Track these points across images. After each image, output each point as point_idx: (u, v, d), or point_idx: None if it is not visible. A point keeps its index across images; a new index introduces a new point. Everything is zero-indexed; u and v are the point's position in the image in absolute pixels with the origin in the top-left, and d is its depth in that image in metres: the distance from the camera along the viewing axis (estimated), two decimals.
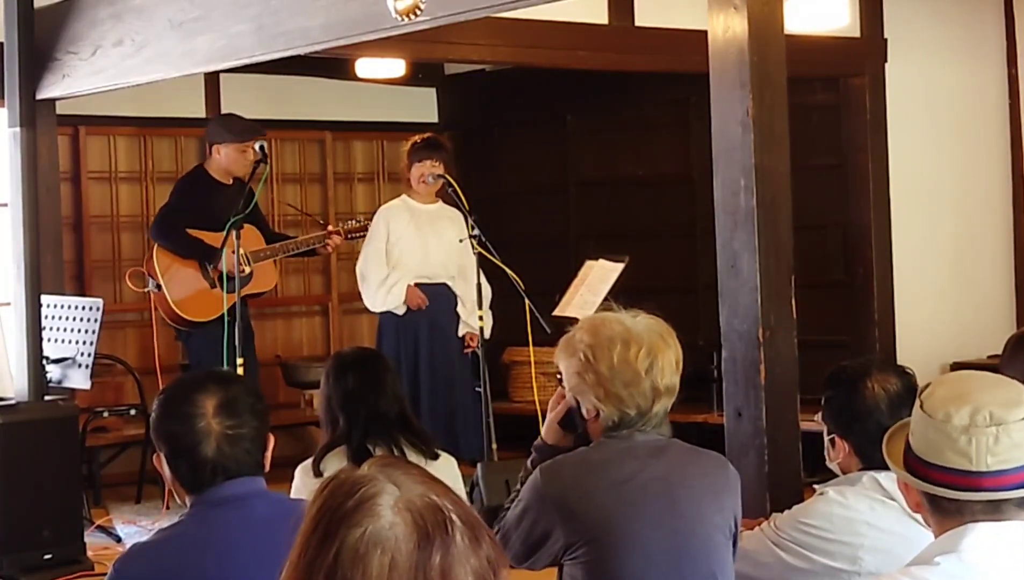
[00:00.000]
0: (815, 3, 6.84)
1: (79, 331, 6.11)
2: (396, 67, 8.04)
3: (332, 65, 7.81)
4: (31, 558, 5.39)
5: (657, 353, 2.92)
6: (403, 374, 6.37)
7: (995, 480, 2.14)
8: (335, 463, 3.89)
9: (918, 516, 2.35)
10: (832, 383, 3.20)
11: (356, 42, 4.79)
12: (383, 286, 6.62)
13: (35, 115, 5.91)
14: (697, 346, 6.70)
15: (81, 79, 5.78)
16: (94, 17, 5.71)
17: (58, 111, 6.15)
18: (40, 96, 5.92)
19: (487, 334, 6.52)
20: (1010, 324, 7.58)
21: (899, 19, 7.50)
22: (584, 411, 3.00)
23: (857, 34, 7.40)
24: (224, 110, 7.98)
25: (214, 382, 2.65)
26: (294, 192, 8.58)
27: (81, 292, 7.50)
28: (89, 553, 5.61)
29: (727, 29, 3.77)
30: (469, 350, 6.56)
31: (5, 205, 6.14)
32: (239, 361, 5.85)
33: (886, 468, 3.04)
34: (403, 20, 4.21)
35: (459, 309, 6.66)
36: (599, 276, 6.33)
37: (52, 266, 6.08)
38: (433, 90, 9.16)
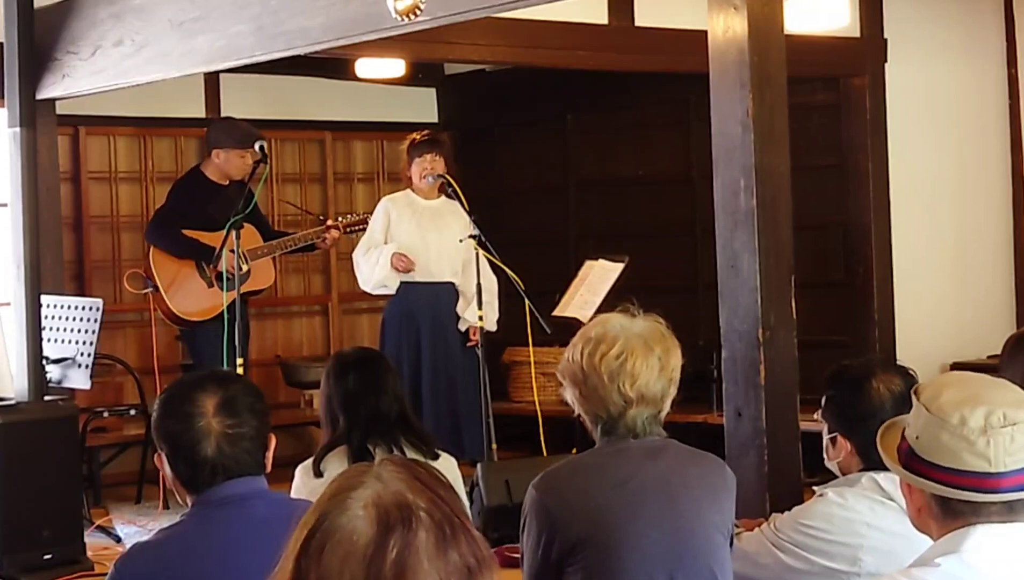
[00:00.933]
0: (815, 3, 6.84)
1: (79, 331, 6.11)
2: (396, 67, 8.04)
3: (332, 65, 7.81)
4: (31, 558, 5.38)
5: (631, 357, 2.89)
6: (405, 373, 6.37)
7: (1013, 480, 2.14)
8: (335, 463, 3.90)
9: None
10: (835, 382, 3.20)
11: (356, 42, 4.79)
12: (368, 261, 6.61)
13: (35, 115, 5.91)
14: (697, 346, 6.71)
15: (81, 79, 5.78)
16: (94, 17, 5.71)
17: (58, 111, 6.15)
18: (40, 96, 5.92)
19: (492, 328, 6.52)
20: (1010, 324, 7.58)
21: (899, 19, 7.49)
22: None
23: (857, 34, 7.40)
24: (224, 110, 7.99)
25: (214, 382, 2.65)
26: (294, 192, 8.58)
27: (81, 292, 7.50)
28: (89, 553, 5.61)
29: (727, 29, 3.77)
30: (472, 343, 6.55)
31: (5, 205, 6.14)
32: (239, 361, 5.85)
33: (886, 469, 3.04)
34: (403, 20, 4.21)
35: (459, 304, 6.65)
36: (599, 276, 6.33)
37: (52, 266, 6.08)
38: (433, 90, 9.16)
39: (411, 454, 3.97)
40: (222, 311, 6.11)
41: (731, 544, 3.04)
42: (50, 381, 6.01)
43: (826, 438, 3.23)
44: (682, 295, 7.72)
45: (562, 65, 6.88)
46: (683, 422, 6.48)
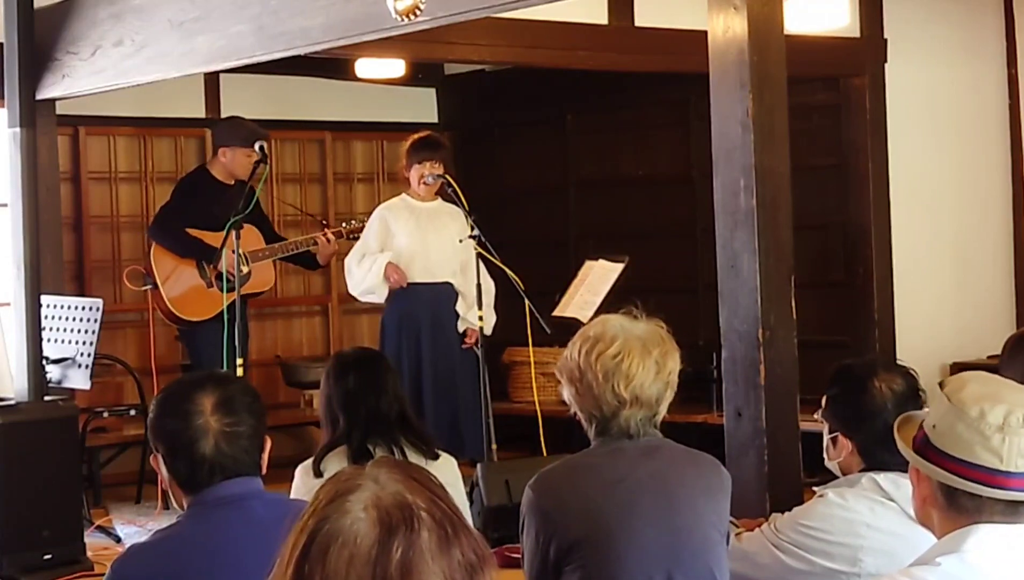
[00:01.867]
0: (815, 3, 6.84)
1: (79, 331, 6.11)
2: (396, 67, 8.04)
3: (332, 65, 7.81)
4: (31, 558, 5.38)
5: (627, 358, 2.89)
6: (405, 374, 6.36)
7: (1021, 481, 2.14)
8: (335, 463, 3.89)
9: None
10: (837, 382, 3.20)
11: (356, 42, 4.79)
12: (360, 267, 6.58)
13: (35, 115, 5.91)
14: (697, 346, 6.71)
15: (81, 79, 5.78)
16: (94, 17, 5.71)
17: (58, 111, 6.15)
18: (40, 96, 5.92)
19: (488, 331, 6.52)
20: (1010, 324, 7.58)
21: (899, 19, 7.50)
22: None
23: (857, 34, 7.40)
24: (224, 110, 7.99)
25: (212, 381, 2.66)
26: (294, 192, 8.58)
27: (81, 292, 7.50)
28: (89, 553, 5.61)
29: (727, 29, 3.77)
30: (467, 345, 6.55)
31: (5, 205, 6.14)
32: (238, 361, 5.85)
33: (887, 469, 3.05)
34: (403, 20, 4.21)
35: (459, 305, 6.65)
36: (599, 276, 6.33)
37: (52, 266, 6.08)
38: (433, 90, 9.16)
39: (411, 454, 3.97)
40: (221, 311, 6.11)
41: (727, 542, 3.04)
42: (50, 381, 6.01)
43: (827, 438, 3.23)
44: (682, 295, 7.72)
45: (562, 65, 6.88)
46: (683, 422, 6.49)
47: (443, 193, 6.65)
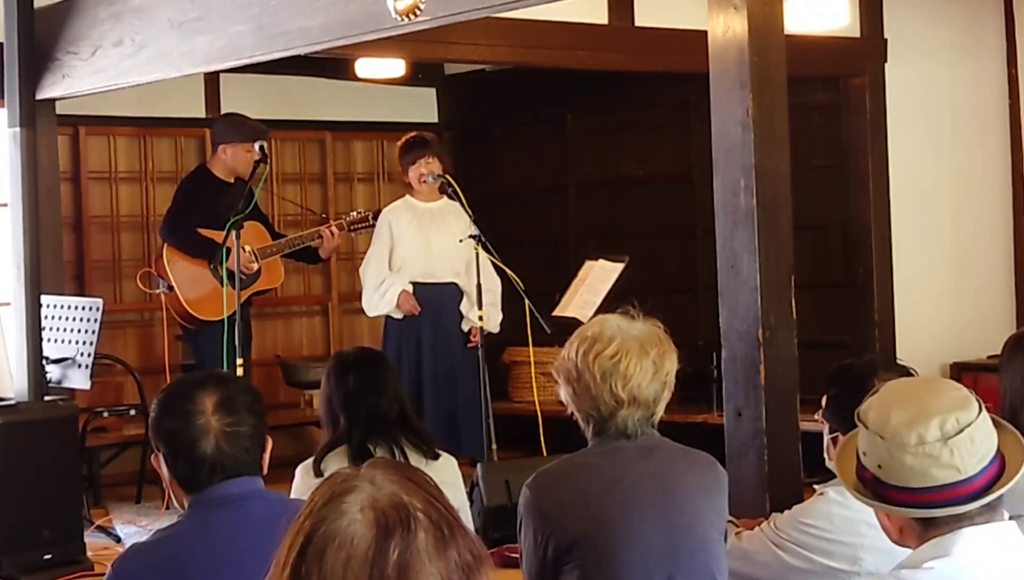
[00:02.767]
0: (815, 3, 6.84)
1: (79, 331, 6.11)
2: (396, 67, 8.04)
3: (332, 65, 7.81)
4: (31, 558, 5.38)
5: (625, 358, 2.89)
6: (406, 374, 6.37)
7: (984, 478, 2.14)
8: (336, 463, 3.89)
9: None
10: (838, 381, 3.20)
11: (356, 42, 4.79)
12: (377, 291, 6.62)
13: (35, 115, 5.91)
14: (697, 346, 6.71)
15: (81, 79, 5.78)
16: (94, 17, 5.71)
17: (58, 111, 6.15)
18: (40, 96, 5.92)
19: (494, 329, 6.53)
20: (1010, 324, 7.58)
21: (899, 19, 7.50)
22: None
23: (857, 34, 7.40)
24: (224, 110, 7.98)
25: (212, 381, 2.66)
26: (294, 192, 8.58)
27: (81, 292, 7.50)
28: (89, 553, 5.61)
29: (727, 29, 3.78)
30: (472, 344, 6.55)
31: (5, 205, 6.14)
32: (239, 361, 5.85)
33: None
34: (403, 20, 4.21)
35: (463, 304, 6.66)
36: (599, 276, 6.33)
37: (52, 266, 6.08)
38: (433, 90, 9.16)
39: (411, 454, 3.97)
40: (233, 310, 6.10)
41: (725, 540, 3.04)
42: (50, 381, 6.01)
43: (827, 438, 3.23)
44: (682, 295, 7.72)
45: (562, 65, 6.88)
46: (683, 422, 6.49)
47: (446, 192, 6.65)
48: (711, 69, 3.84)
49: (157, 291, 6.73)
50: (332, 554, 1.50)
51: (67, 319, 6.15)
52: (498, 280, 6.55)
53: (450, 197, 6.54)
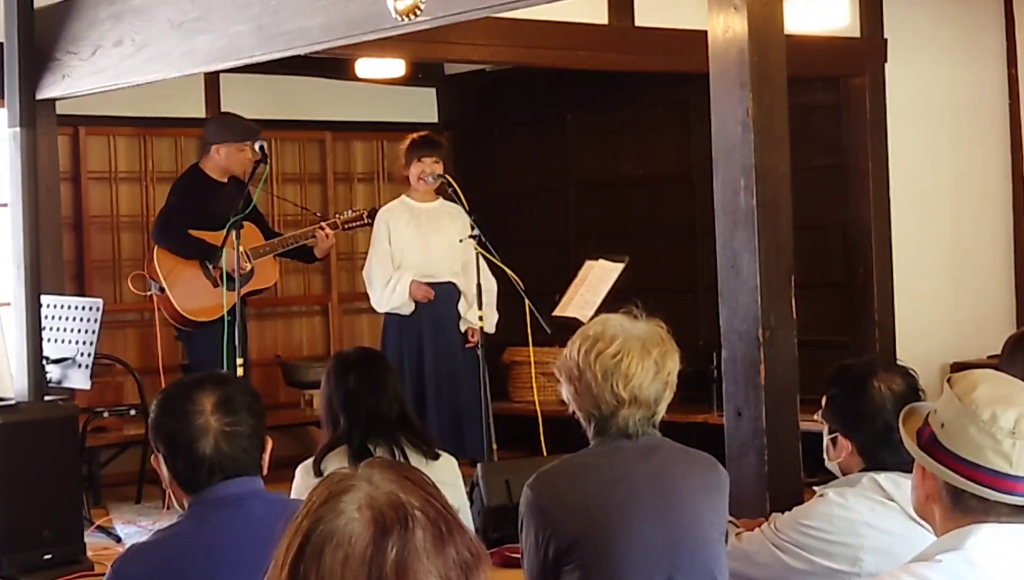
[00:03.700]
0: (815, 3, 6.84)
1: (79, 331, 6.11)
2: (396, 67, 8.04)
3: (332, 65, 7.81)
4: (31, 558, 5.38)
5: (627, 357, 2.89)
6: (407, 374, 6.37)
7: None
8: (336, 463, 3.89)
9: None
10: (837, 382, 3.20)
11: (356, 42, 4.79)
12: (387, 287, 6.63)
13: (35, 115, 5.91)
14: (697, 346, 6.71)
15: (81, 79, 5.78)
16: (94, 17, 5.71)
17: (58, 111, 6.15)
18: (40, 96, 5.92)
19: (491, 329, 6.53)
20: (1010, 324, 7.58)
21: (899, 19, 7.50)
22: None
23: (857, 34, 7.40)
24: (224, 110, 7.98)
25: (212, 381, 2.67)
26: (294, 192, 8.58)
27: (81, 292, 7.50)
28: (89, 553, 5.60)
29: (727, 29, 3.77)
30: (470, 345, 6.56)
31: (5, 205, 6.14)
32: (239, 361, 5.84)
33: (887, 469, 3.05)
34: (403, 20, 4.21)
35: (461, 304, 6.66)
36: (599, 276, 6.33)
37: (52, 266, 6.08)
38: (433, 90, 9.16)
39: (411, 454, 3.98)
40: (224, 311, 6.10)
41: (725, 541, 3.04)
42: (50, 381, 6.01)
43: (827, 438, 3.23)
44: (682, 295, 7.72)
45: (562, 65, 6.88)
46: (683, 422, 6.50)
47: (444, 193, 6.66)
48: (711, 69, 3.84)
49: (149, 293, 6.72)
50: (330, 553, 1.50)
51: (67, 319, 6.15)
52: (494, 281, 6.56)
53: (450, 198, 6.54)
